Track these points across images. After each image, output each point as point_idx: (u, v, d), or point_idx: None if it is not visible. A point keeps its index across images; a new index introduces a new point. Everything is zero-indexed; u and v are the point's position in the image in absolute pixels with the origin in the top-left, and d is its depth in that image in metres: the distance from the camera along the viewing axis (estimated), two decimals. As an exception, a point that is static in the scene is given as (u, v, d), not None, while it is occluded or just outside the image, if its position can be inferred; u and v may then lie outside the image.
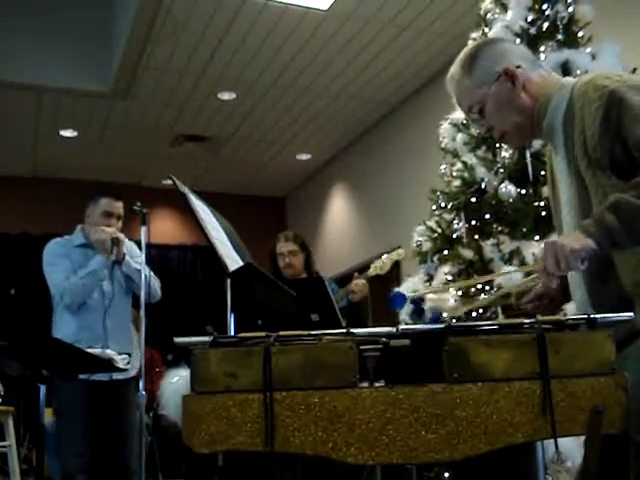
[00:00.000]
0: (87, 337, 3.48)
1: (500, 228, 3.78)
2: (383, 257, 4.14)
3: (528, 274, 2.12)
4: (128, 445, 3.58)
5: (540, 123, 1.86)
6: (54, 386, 3.46)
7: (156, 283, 3.82)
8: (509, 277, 3.32)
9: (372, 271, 4.07)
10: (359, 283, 3.93)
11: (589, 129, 1.70)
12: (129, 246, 3.78)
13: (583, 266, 1.58)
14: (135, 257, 3.77)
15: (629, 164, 1.65)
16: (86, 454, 3.42)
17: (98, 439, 3.51)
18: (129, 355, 3.41)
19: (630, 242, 1.60)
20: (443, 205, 4.11)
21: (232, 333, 2.85)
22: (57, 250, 3.70)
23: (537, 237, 3.55)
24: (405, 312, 3.89)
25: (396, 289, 3.86)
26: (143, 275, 3.59)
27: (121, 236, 3.66)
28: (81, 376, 3.40)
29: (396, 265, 7.35)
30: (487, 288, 3.62)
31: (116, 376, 3.52)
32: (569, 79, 1.91)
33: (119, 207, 3.74)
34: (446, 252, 4.00)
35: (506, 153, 3.81)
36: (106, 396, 3.54)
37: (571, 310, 2.04)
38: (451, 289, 3.76)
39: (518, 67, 1.85)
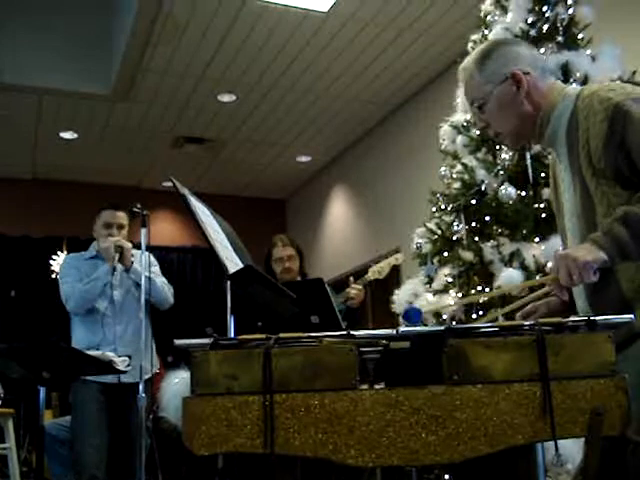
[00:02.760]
0: (98, 343, 3.72)
1: (500, 230, 3.78)
2: (382, 262, 4.13)
3: (533, 289, 2.12)
4: (137, 446, 3.64)
5: (543, 131, 1.88)
6: (70, 383, 3.72)
7: (167, 289, 4.00)
8: (509, 274, 3.35)
9: (370, 276, 4.05)
10: (356, 290, 3.93)
11: (593, 140, 1.72)
12: (146, 256, 3.90)
13: (595, 278, 1.60)
14: (151, 266, 3.92)
15: (632, 174, 1.67)
16: (100, 448, 3.61)
17: (111, 437, 3.69)
18: (129, 357, 3.43)
19: (639, 253, 1.61)
20: (443, 207, 4.11)
21: (232, 335, 2.85)
22: (69, 263, 3.99)
23: (537, 239, 3.55)
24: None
25: (411, 305, 3.85)
26: (143, 278, 3.68)
27: (125, 244, 3.84)
28: (99, 379, 3.64)
29: (396, 267, 7.35)
30: (487, 290, 3.62)
31: (126, 379, 3.68)
32: (573, 88, 1.92)
33: (119, 217, 3.94)
34: (446, 254, 4.00)
35: (506, 155, 3.81)
36: (122, 398, 3.73)
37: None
38: (455, 298, 3.76)
39: (527, 74, 1.87)
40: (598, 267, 1.59)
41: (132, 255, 3.89)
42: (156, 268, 4.04)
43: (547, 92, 1.88)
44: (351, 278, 4.04)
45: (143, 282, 3.70)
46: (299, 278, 4.19)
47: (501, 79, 1.87)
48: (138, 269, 3.82)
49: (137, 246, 3.89)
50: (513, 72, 1.86)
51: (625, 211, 1.62)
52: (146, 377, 3.71)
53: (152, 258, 3.99)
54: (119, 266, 3.82)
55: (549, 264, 3.21)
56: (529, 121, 1.88)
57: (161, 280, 3.98)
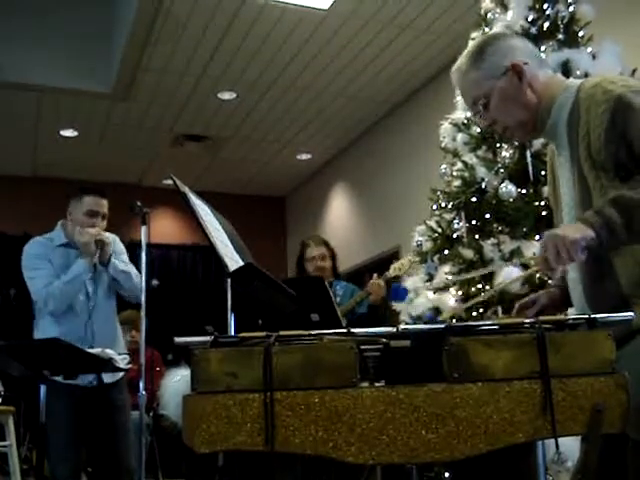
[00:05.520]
0: (71, 340, 3.21)
1: (500, 228, 3.78)
2: (402, 259, 4.22)
3: (527, 268, 2.13)
4: (120, 447, 3.48)
5: (543, 122, 1.87)
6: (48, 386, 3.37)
7: (139, 281, 3.62)
8: (507, 269, 3.35)
9: (392, 272, 4.15)
10: (374, 284, 4.00)
11: (594, 132, 1.71)
12: (112, 241, 3.61)
13: (583, 256, 1.58)
14: (119, 254, 3.64)
15: (633, 167, 1.66)
16: (72, 460, 3.37)
17: (87, 444, 3.47)
18: (129, 355, 3.40)
19: (628, 235, 1.61)
20: (443, 205, 4.11)
21: (232, 333, 2.85)
22: (38, 252, 3.54)
23: (537, 237, 3.55)
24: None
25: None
26: (143, 276, 3.55)
27: (106, 237, 3.51)
28: (67, 381, 3.25)
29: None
30: (487, 287, 3.62)
31: (106, 380, 3.42)
32: (574, 80, 1.91)
33: (104, 205, 3.55)
34: (446, 252, 4.00)
35: (506, 153, 3.82)
36: (92, 401, 3.42)
37: (571, 311, 2.04)
38: (451, 288, 3.76)
39: (525, 64, 1.86)
40: (586, 245, 1.58)
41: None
42: (125, 257, 3.68)
43: (547, 82, 1.88)
44: (375, 275, 4.11)
45: (143, 277, 3.51)
46: (332, 279, 4.26)
47: (501, 72, 1.85)
48: (117, 264, 3.54)
49: (137, 244, 3.70)
50: (513, 63, 1.84)
51: (617, 194, 1.62)
52: (118, 377, 3.48)
53: (121, 245, 3.69)
54: (96, 260, 3.48)
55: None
56: (534, 111, 1.86)
57: (135, 272, 3.59)
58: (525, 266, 3.50)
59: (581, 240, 1.56)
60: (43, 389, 3.27)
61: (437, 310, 3.85)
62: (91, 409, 3.43)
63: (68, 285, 3.41)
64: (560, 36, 3.89)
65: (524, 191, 3.71)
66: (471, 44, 1.99)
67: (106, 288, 3.59)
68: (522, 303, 1.97)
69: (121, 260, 3.63)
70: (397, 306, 4.17)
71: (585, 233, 1.57)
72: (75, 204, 3.54)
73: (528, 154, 3.69)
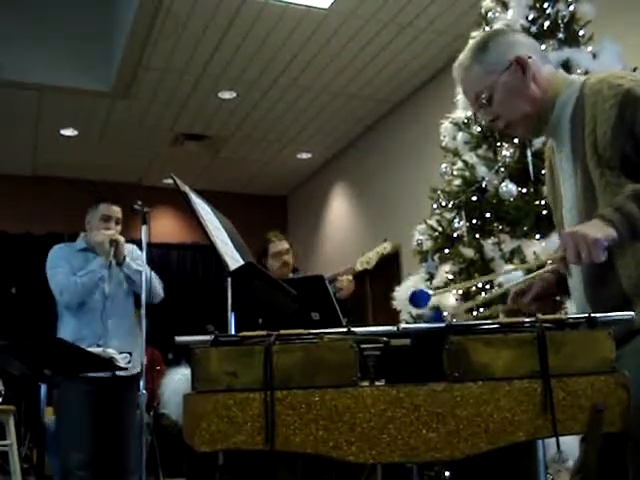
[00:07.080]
0: (88, 337, 3.58)
1: (501, 227, 3.78)
2: (369, 252, 4.16)
3: (529, 271, 2.11)
4: (128, 443, 3.61)
5: (546, 118, 1.85)
6: (56, 382, 3.53)
7: (157, 283, 3.92)
8: (511, 276, 3.33)
9: (358, 266, 4.10)
10: (345, 280, 3.96)
11: (601, 127, 1.69)
12: (130, 248, 3.90)
13: (604, 257, 1.54)
14: (136, 259, 3.86)
15: None
16: (85, 450, 3.48)
17: (98, 436, 3.55)
18: (130, 354, 3.42)
19: None
20: (444, 204, 4.11)
21: (233, 332, 2.85)
22: (59, 254, 3.85)
23: (538, 236, 3.55)
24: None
25: (419, 288, 3.86)
26: (144, 275, 3.64)
27: (120, 238, 3.78)
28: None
29: (397, 263, 7.36)
30: (487, 287, 3.62)
31: (118, 373, 3.52)
32: (577, 77, 1.90)
33: (117, 211, 3.89)
34: (447, 251, 4.00)
35: (507, 152, 3.81)
36: (108, 393, 3.58)
37: (572, 309, 2.04)
38: (455, 295, 3.76)
39: (529, 57, 1.84)
40: (608, 245, 1.54)
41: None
42: (142, 262, 3.90)
43: (551, 78, 1.86)
44: (340, 271, 4.07)
45: (144, 277, 3.65)
46: (291, 274, 4.22)
47: (505, 66, 1.83)
48: (131, 263, 3.79)
49: (138, 243, 3.85)
50: (517, 57, 1.83)
51: (636, 189, 1.58)
52: (135, 372, 3.63)
53: (138, 252, 3.91)
54: (111, 259, 3.76)
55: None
56: (538, 106, 1.84)
57: (152, 274, 3.90)
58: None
59: (604, 240, 1.53)
60: (44, 388, 3.31)
61: (437, 309, 3.85)
62: (103, 404, 3.56)
63: (84, 278, 3.70)
64: (560, 35, 3.88)
65: (524, 190, 3.71)
66: (473, 40, 1.97)
67: (122, 288, 3.83)
68: (517, 290, 1.93)
69: (138, 264, 3.84)
70: (398, 305, 4.16)
71: (607, 232, 1.54)
72: (92, 213, 3.88)
73: (529, 153, 3.69)
